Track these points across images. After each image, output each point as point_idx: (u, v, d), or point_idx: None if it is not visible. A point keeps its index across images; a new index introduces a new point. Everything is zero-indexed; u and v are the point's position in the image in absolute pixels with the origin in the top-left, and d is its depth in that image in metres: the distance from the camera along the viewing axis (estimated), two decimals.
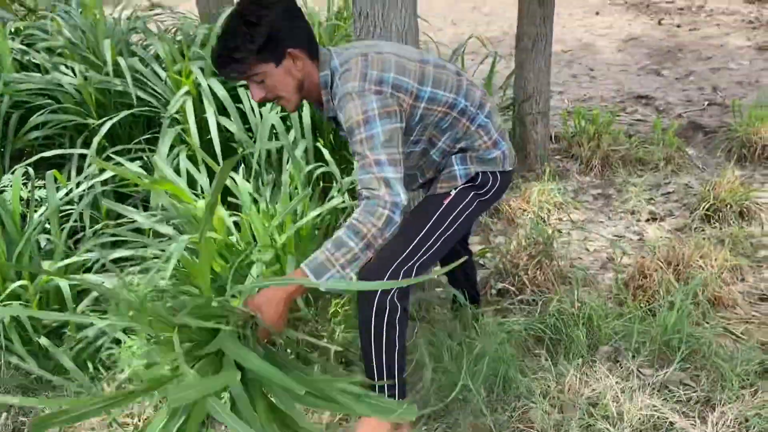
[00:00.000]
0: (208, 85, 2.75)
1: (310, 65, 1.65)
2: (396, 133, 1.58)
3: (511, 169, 1.88)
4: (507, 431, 1.90)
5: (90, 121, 2.97)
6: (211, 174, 2.64)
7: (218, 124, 2.68)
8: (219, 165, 2.61)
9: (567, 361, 2.14)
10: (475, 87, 1.81)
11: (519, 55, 3.70)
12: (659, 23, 6.98)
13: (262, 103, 2.64)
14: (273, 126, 2.68)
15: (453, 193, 1.83)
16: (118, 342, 2.12)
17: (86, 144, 2.93)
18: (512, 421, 1.93)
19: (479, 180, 1.83)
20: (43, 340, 2.06)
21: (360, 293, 1.80)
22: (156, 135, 3.07)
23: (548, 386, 2.03)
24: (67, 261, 2.16)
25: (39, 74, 3.11)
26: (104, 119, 2.86)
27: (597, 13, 7.61)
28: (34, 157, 2.61)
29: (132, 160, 2.83)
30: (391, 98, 1.58)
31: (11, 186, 2.40)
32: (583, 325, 2.21)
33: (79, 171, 2.80)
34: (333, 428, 1.99)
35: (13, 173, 2.41)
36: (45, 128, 2.94)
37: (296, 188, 2.38)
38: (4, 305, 2.03)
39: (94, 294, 2.15)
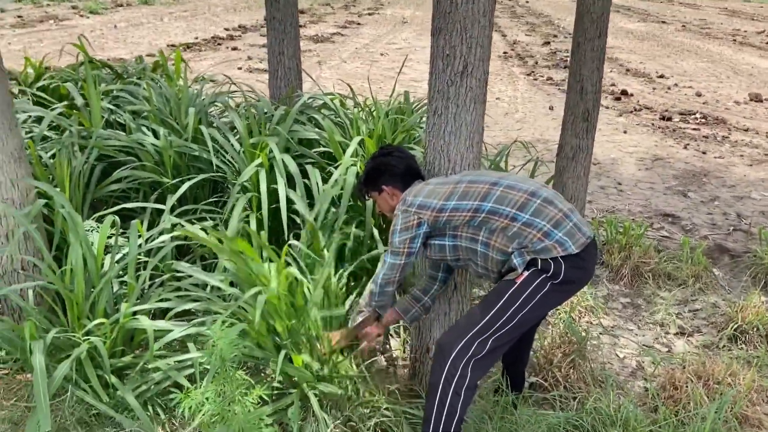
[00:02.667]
0: (282, 159, 3.00)
1: (401, 194, 2.30)
2: (408, 236, 2.18)
3: (578, 251, 2.05)
4: None
5: (164, 180, 3.22)
6: (270, 238, 2.85)
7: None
8: (284, 231, 2.82)
9: None
10: (514, 191, 2.11)
11: (560, 163, 3.96)
12: (685, 148, 7.33)
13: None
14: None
15: (525, 274, 2.05)
16: (179, 387, 2.24)
17: (157, 200, 3.17)
18: None
19: (541, 266, 2.04)
20: (113, 378, 2.19)
21: (435, 354, 2.06)
22: (219, 198, 3.31)
23: None
24: (143, 306, 2.32)
25: (123, 133, 3.40)
26: (178, 179, 3.11)
27: (625, 132, 8.00)
28: (116, 208, 2.83)
29: (198, 219, 3.04)
30: (413, 215, 2.16)
31: (95, 231, 2.60)
32: (620, 427, 2.30)
33: (150, 225, 3.02)
34: None
35: (97, 220, 2.62)
36: (124, 182, 3.18)
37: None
38: (84, 341, 2.18)
39: (165, 339, 2.30)
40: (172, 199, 2.90)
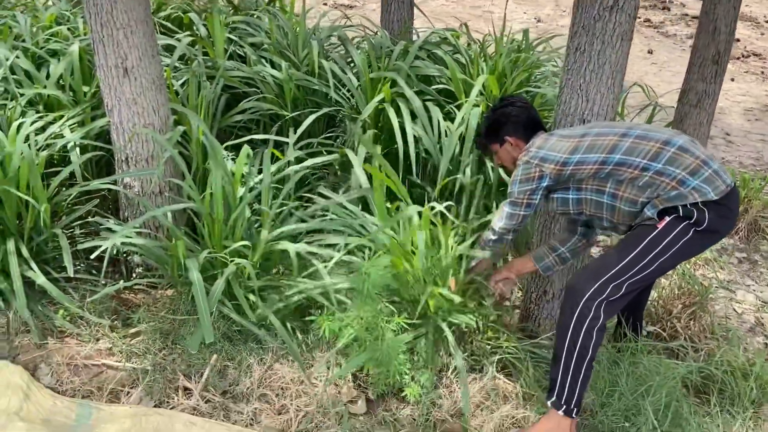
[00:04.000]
0: (404, 95, 2.99)
1: (524, 146, 2.30)
2: (529, 188, 2.18)
3: (718, 198, 1.98)
4: None
5: (284, 112, 3.28)
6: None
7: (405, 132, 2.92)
8: (413, 170, 2.85)
9: (733, 413, 2.20)
10: (645, 141, 2.04)
11: (681, 109, 3.77)
12: None
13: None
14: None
15: (666, 220, 2.01)
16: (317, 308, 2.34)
17: (277, 133, 3.25)
18: None
19: (683, 213, 1.99)
20: (255, 297, 2.31)
21: (566, 295, 2.05)
22: (332, 134, 3.36)
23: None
24: (284, 228, 2.42)
25: (244, 65, 3.46)
26: (296, 113, 3.17)
27: (732, 80, 7.52)
28: (246, 138, 2.91)
29: (312, 155, 3.10)
30: (535, 168, 2.15)
31: (230, 159, 2.70)
32: (754, 380, 2.26)
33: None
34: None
35: (232, 150, 2.72)
36: (247, 113, 3.26)
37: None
38: (232, 261, 2.30)
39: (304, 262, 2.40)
40: (298, 132, 2.96)
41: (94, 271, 2.70)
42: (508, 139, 2.37)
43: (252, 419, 2.10)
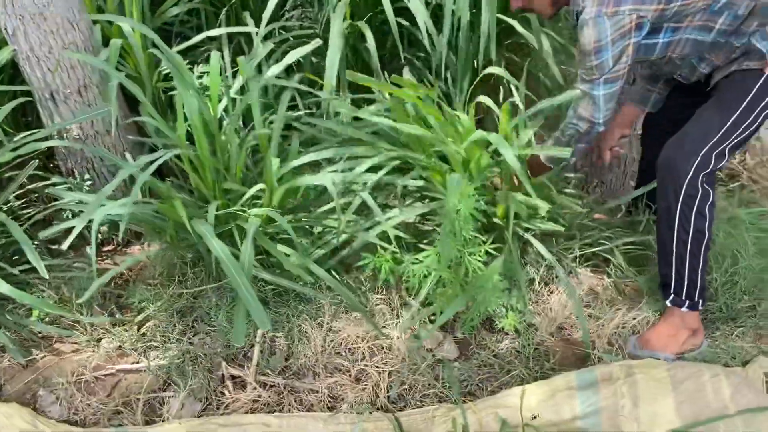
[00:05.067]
0: None
1: None
2: (626, 51, 1.61)
3: None
4: None
5: None
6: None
7: None
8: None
9: None
10: None
11: None
12: None
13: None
14: None
15: None
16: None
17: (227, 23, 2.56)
18: None
19: None
20: (286, 248, 1.83)
21: (663, 176, 1.68)
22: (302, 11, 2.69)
23: None
24: (304, 159, 1.87)
25: None
26: None
27: None
28: (199, 36, 2.23)
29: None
30: (628, 17, 1.57)
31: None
32: None
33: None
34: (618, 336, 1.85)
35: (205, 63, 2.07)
36: (182, 3, 2.51)
37: None
38: (251, 213, 1.77)
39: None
40: (265, 15, 2.29)
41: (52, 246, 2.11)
42: None
43: (331, 398, 1.71)
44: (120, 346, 1.87)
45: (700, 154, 1.64)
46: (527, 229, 1.89)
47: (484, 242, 1.66)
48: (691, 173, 1.64)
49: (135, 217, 1.82)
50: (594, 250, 2.01)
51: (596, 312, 1.90)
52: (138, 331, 1.90)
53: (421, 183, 1.92)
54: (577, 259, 2.02)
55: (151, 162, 1.71)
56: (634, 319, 1.87)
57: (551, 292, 1.95)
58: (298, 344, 1.83)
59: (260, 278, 1.86)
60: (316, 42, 2.19)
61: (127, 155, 2.16)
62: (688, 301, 1.75)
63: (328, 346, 1.83)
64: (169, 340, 1.86)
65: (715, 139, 1.65)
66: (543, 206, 1.76)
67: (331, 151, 1.91)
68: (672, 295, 1.77)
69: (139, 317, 1.93)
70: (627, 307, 1.91)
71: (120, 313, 1.98)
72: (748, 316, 1.87)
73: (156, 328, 1.90)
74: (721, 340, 1.81)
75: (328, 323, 1.87)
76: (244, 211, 1.81)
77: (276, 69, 2.12)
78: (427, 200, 2.00)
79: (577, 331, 1.88)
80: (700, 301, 1.75)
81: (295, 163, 1.87)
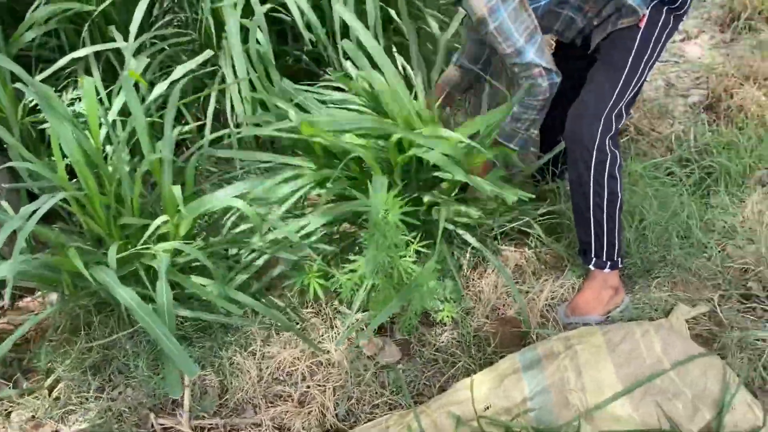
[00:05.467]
0: None
1: None
2: (521, 4, 1.60)
3: None
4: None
5: (88, 7, 2.31)
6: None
7: None
8: None
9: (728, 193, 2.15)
10: None
11: None
12: None
13: None
14: None
15: (646, 13, 1.67)
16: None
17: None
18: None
19: None
20: (202, 279, 1.70)
21: (574, 144, 1.73)
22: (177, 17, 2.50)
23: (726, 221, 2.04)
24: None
25: None
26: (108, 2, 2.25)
27: None
28: (64, 59, 2.00)
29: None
30: None
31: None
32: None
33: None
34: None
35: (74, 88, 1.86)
36: (36, 25, 2.24)
37: None
38: (157, 250, 1.61)
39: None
40: (132, 28, 2.10)
41: None
42: None
43: (277, 429, 1.62)
44: (33, 416, 1.67)
45: (602, 119, 1.69)
46: (453, 222, 1.87)
47: (413, 241, 1.62)
48: (597, 139, 1.69)
49: (24, 274, 1.62)
50: (513, 225, 2.03)
51: (525, 287, 1.92)
52: (50, 396, 1.71)
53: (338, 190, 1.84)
54: (498, 238, 2.03)
55: (34, 211, 1.52)
56: (562, 287, 1.91)
57: (480, 276, 1.95)
58: (231, 378, 1.71)
59: (178, 315, 1.72)
60: (207, 53, 2.06)
61: (4, 204, 1.91)
62: (609, 263, 1.81)
63: (265, 374, 1.73)
64: (87, 400, 1.69)
65: (612, 102, 1.70)
66: (474, 214, 1.75)
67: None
68: (594, 259, 1.81)
69: (49, 380, 1.74)
70: (553, 278, 1.94)
71: (26, 378, 1.77)
72: (661, 266, 1.96)
73: (70, 389, 1.72)
74: (642, 294, 1.88)
75: (260, 350, 1.77)
76: (149, 248, 1.65)
77: (162, 86, 1.96)
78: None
79: (509, 308, 1.89)
80: (619, 259, 1.82)
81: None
